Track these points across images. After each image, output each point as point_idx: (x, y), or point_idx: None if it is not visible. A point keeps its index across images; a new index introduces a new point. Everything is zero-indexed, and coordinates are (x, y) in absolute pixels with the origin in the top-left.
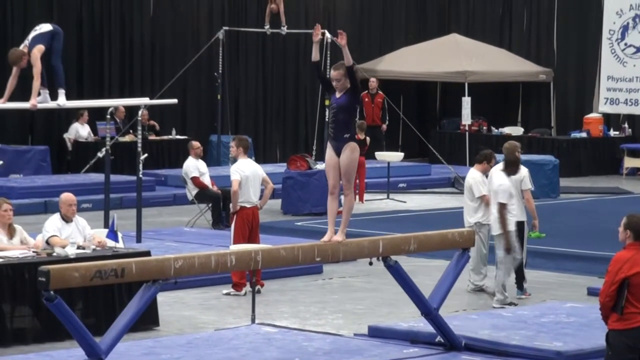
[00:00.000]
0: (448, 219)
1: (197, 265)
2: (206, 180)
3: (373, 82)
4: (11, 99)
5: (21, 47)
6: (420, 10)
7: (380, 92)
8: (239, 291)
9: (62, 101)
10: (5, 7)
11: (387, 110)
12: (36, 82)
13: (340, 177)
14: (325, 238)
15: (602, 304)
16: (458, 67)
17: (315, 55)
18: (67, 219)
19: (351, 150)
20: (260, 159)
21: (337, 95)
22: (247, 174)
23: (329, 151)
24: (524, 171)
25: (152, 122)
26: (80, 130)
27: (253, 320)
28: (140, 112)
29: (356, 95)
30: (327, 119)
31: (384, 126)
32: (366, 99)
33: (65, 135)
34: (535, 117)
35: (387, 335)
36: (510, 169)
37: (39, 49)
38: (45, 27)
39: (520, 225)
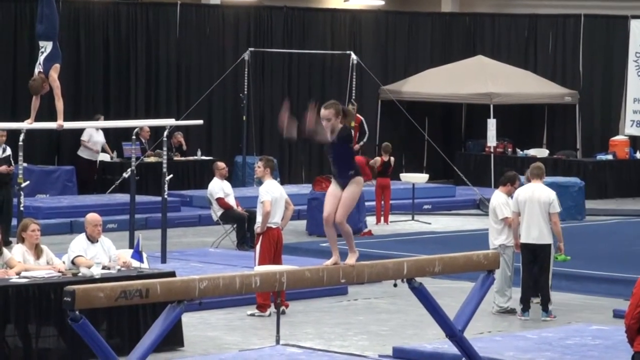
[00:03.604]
0: (473, 240)
1: (221, 286)
2: (231, 201)
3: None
4: (38, 119)
5: (36, 72)
6: (445, 32)
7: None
8: (264, 312)
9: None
10: (33, 31)
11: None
12: (59, 103)
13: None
14: (329, 262)
15: (628, 327)
16: (483, 89)
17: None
18: (92, 239)
19: (357, 184)
20: (285, 180)
21: (330, 139)
22: (276, 196)
23: (334, 186)
24: (552, 194)
25: (180, 139)
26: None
27: (277, 341)
28: (165, 133)
29: (351, 139)
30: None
31: (357, 146)
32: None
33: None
34: (560, 139)
35: (411, 356)
36: None
37: (55, 69)
38: (48, 45)
39: (546, 248)
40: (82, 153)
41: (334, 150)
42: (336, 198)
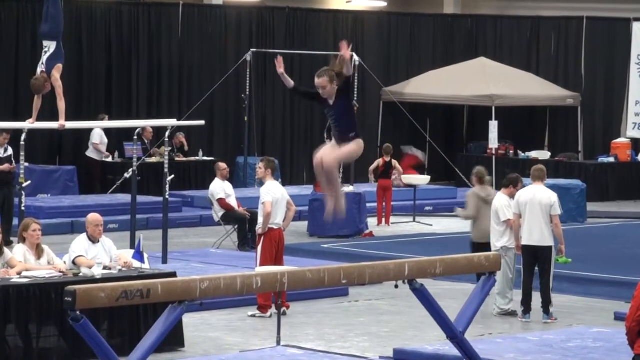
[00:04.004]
0: None
1: (223, 286)
2: (232, 202)
3: None
4: (39, 119)
5: (38, 71)
6: (448, 33)
7: None
8: (265, 313)
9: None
10: (35, 30)
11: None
12: (61, 102)
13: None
14: (328, 209)
15: (629, 329)
16: (485, 91)
17: (288, 83)
18: (93, 240)
19: (357, 144)
20: (286, 181)
21: (331, 102)
22: (278, 197)
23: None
24: (553, 197)
25: (182, 139)
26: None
27: (278, 342)
28: (167, 133)
29: (350, 95)
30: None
31: None
32: None
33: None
34: (562, 141)
35: (412, 358)
36: None
37: (58, 68)
38: (52, 45)
39: (548, 250)
40: (91, 154)
41: (335, 109)
42: (330, 148)
